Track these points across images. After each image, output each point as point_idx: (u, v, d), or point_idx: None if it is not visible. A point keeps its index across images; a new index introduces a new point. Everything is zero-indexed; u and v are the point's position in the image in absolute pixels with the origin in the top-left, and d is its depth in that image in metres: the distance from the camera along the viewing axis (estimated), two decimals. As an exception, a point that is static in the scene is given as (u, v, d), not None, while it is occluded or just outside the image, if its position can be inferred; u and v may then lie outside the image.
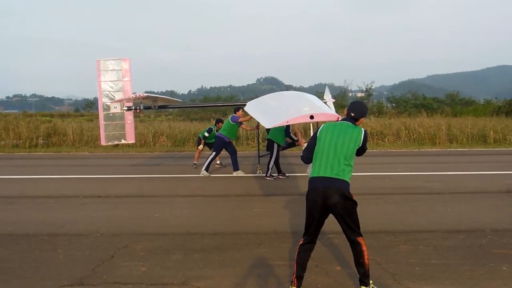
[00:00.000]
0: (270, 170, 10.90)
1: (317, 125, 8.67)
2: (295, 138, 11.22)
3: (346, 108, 4.29)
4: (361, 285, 4.06)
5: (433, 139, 20.65)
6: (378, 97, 74.30)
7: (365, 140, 4.13)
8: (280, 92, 10.82)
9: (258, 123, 11.94)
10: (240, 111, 11.52)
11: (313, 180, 4.08)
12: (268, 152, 11.11)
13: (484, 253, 5.25)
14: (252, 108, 7.92)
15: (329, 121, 4.70)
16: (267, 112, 6.84)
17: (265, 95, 9.28)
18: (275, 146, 10.88)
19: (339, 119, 4.43)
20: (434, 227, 6.38)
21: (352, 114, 4.19)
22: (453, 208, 7.65)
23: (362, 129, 4.15)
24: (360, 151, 4.17)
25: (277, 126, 6.09)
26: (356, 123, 4.20)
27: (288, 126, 10.87)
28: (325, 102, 10.20)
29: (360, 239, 4.00)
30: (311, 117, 4.77)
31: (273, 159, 10.88)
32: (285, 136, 11.03)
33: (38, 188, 10.16)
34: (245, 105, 9.60)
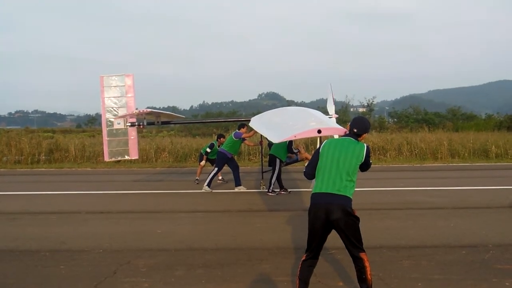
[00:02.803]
0: (272, 186, 10.90)
1: (319, 140, 8.68)
2: (296, 151, 11.25)
3: (349, 124, 4.33)
4: (364, 300, 4.04)
5: (435, 154, 20.62)
6: (380, 112, 74.61)
7: (368, 155, 4.16)
8: (284, 107, 10.88)
9: (261, 139, 11.97)
10: (244, 128, 11.52)
11: (315, 196, 4.10)
12: (271, 167, 11.13)
13: (486, 268, 5.23)
14: (257, 123, 7.93)
15: (331, 137, 4.71)
16: (274, 127, 6.83)
17: (269, 111, 9.31)
18: (277, 161, 10.88)
19: (346, 133, 4.44)
20: (437, 242, 6.37)
21: (355, 130, 4.23)
22: (455, 223, 7.64)
23: (365, 144, 4.18)
24: (364, 167, 4.19)
25: (285, 140, 6.07)
26: (359, 138, 4.24)
27: (290, 142, 10.90)
28: (330, 117, 10.24)
29: (362, 255, 4.00)
30: (319, 131, 4.79)
31: (275, 175, 10.89)
32: (287, 152, 11.04)
33: (40, 204, 10.16)
34: (249, 121, 9.63)
